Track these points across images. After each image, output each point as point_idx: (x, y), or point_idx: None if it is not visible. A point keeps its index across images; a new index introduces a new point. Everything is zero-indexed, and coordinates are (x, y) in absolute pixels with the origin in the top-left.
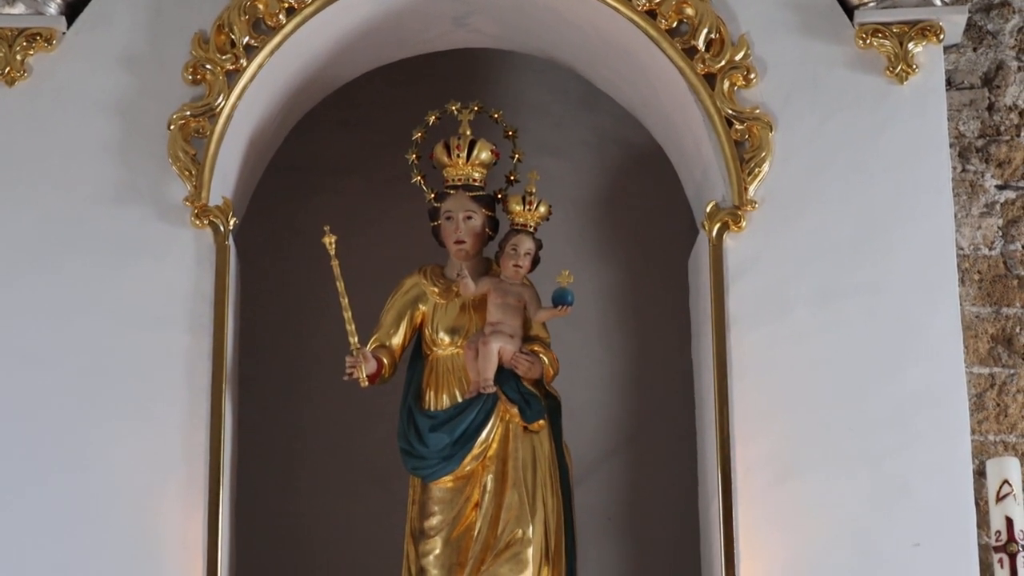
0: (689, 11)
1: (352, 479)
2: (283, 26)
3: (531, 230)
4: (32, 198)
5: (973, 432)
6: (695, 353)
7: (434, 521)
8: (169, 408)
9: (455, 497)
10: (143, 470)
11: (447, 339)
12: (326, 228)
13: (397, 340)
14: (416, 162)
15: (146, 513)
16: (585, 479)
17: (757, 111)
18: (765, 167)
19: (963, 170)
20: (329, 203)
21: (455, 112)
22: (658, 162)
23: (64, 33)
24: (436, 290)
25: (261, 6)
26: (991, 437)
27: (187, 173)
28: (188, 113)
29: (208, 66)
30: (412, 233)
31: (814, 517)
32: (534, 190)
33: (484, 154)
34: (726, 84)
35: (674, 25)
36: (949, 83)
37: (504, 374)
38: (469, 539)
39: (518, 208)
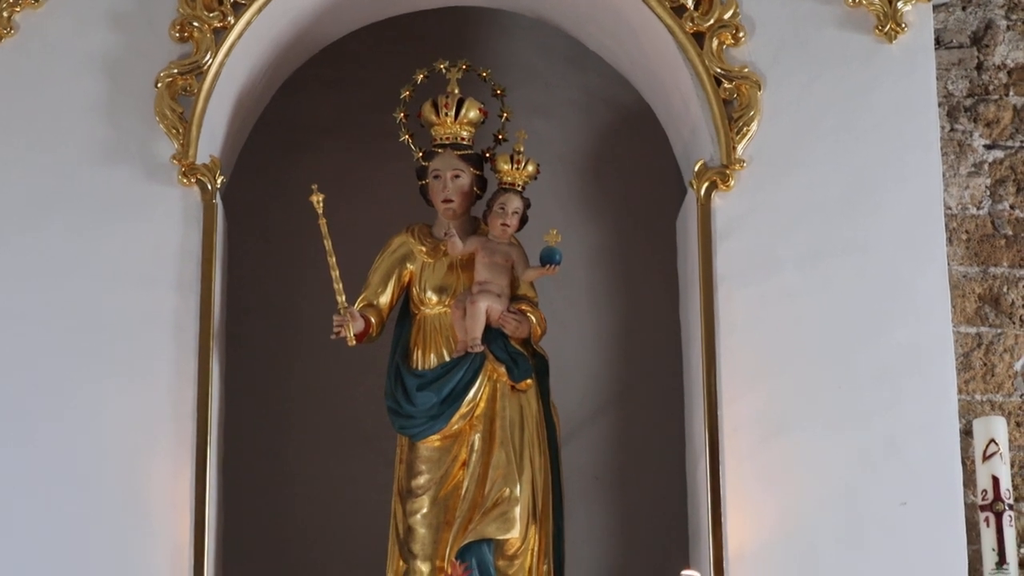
0: None
1: (339, 438)
2: None
3: (519, 189)
4: (18, 156)
5: (960, 391)
6: (683, 312)
7: (421, 480)
8: (156, 367)
9: (442, 456)
10: (130, 429)
11: (435, 298)
12: (314, 187)
13: (385, 299)
14: (404, 121)
15: (134, 472)
16: (573, 438)
17: (746, 70)
18: (753, 126)
19: (951, 129)
20: (317, 162)
21: (443, 71)
22: (646, 121)
23: None
24: (424, 249)
25: None
26: (978, 396)
27: (174, 131)
28: (175, 71)
29: (195, 23)
30: (400, 192)
31: (801, 476)
32: (522, 149)
33: (472, 113)
34: (715, 43)
35: None
36: (938, 42)
37: (492, 333)
38: (456, 498)
39: (506, 167)
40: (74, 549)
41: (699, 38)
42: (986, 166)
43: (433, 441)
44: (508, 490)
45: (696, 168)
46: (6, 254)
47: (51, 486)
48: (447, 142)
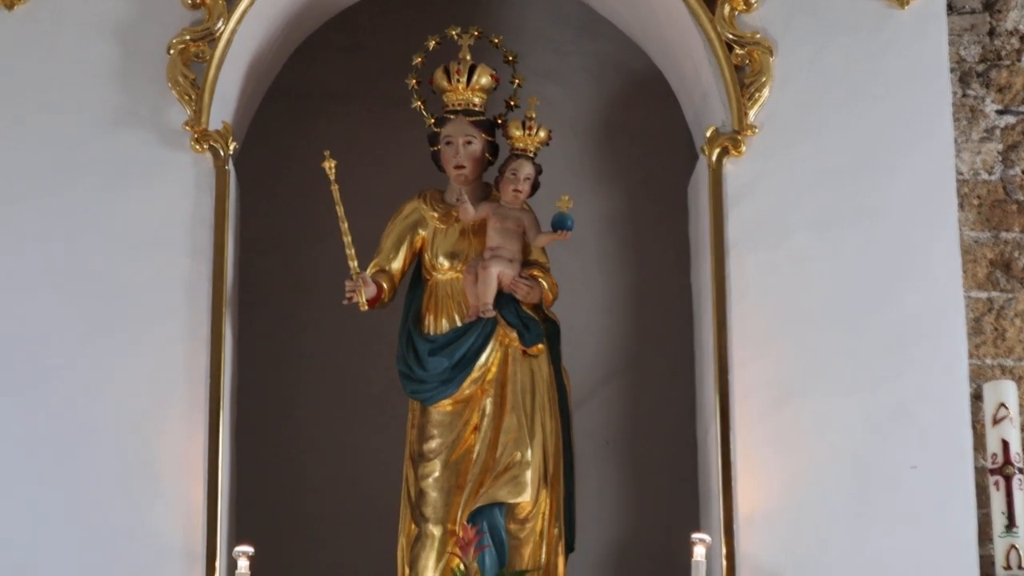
0: None
1: (351, 402)
2: None
3: (531, 155)
4: (33, 122)
5: (970, 356)
6: (694, 278)
7: (433, 444)
8: (170, 331)
9: (454, 420)
10: (144, 392)
11: (446, 264)
12: (326, 153)
13: (397, 265)
14: (416, 87)
15: (147, 435)
16: (584, 403)
17: (757, 36)
18: (765, 92)
19: (963, 95)
20: (329, 128)
21: (455, 37)
22: (658, 87)
23: None
24: (436, 215)
25: None
26: (988, 361)
27: (187, 98)
28: (188, 37)
29: None
30: (412, 158)
31: (812, 440)
32: (534, 115)
33: (484, 79)
34: (727, 8)
35: None
36: (950, 7)
37: (503, 298)
38: (468, 462)
39: (518, 133)
40: (88, 512)
41: (711, 3)
42: (998, 131)
43: (445, 406)
44: (519, 454)
45: (708, 134)
46: (21, 218)
47: (65, 449)
48: (459, 108)
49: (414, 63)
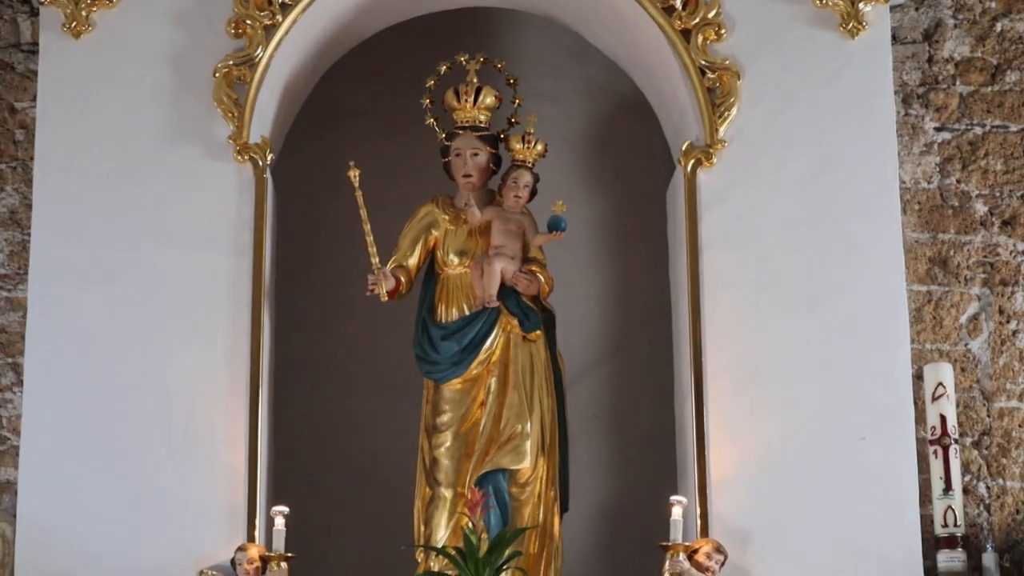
0: None
1: (374, 381)
2: None
3: (529, 166)
4: (96, 137)
5: (912, 341)
6: (672, 273)
7: (445, 418)
8: (215, 321)
9: (463, 397)
10: (194, 373)
11: (456, 260)
12: (351, 163)
13: (413, 261)
14: (429, 106)
15: (197, 409)
16: (576, 382)
17: (727, 62)
18: (734, 111)
19: (906, 114)
20: (354, 142)
21: (463, 63)
22: (640, 107)
23: None
24: (447, 217)
25: None
26: (928, 346)
27: (230, 115)
28: (231, 63)
29: (248, 21)
30: (426, 168)
31: (774, 414)
32: (532, 131)
33: (489, 99)
34: (700, 38)
35: None
36: (894, 38)
37: (506, 290)
38: (475, 433)
39: (518, 146)
40: (147, 476)
41: (686, 34)
42: (936, 146)
43: (455, 384)
44: (520, 427)
45: (683, 147)
46: (88, 222)
47: (127, 423)
48: (467, 125)
49: (427, 85)
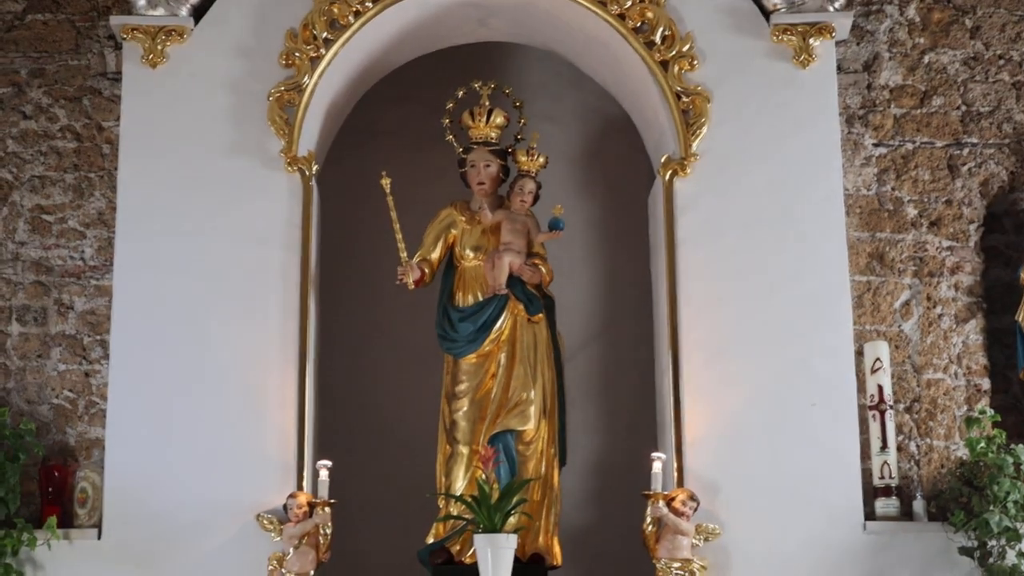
0: (649, 14)
1: (403, 355)
2: (352, 25)
3: (533, 175)
4: (171, 151)
5: (855, 323)
6: (653, 266)
7: (462, 387)
8: (269, 306)
9: (478, 370)
10: (251, 348)
11: (472, 254)
12: (383, 173)
13: (435, 255)
14: (448, 125)
15: (253, 380)
16: (573, 358)
17: (699, 88)
18: (704, 129)
19: (848, 133)
20: (385, 155)
21: (477, 88)
22: (626, 126)
23: (192, 30)
24: (464, 218)
25: (336, 10)
26: (867, 327)
27: (281, 132)
28: (282, 89)
29: (297, 54)
30: (446, 177)
31: (739, 385)
32: (535, 146)
33: (499, 119)
34: (676, 68)
35: (638, 25)
36: (839, 68)
37: (513, 280)
38: (488, 400)
39: (524, 159)
40: (212, 435)
41: (664, 65)
42: (874, 159)
43: (471, 359)
44: (525, 394)
45: (662, 160)
46: (164, 223)
47: (195, 391)
48: (480, 140)
49: (447, 107)
